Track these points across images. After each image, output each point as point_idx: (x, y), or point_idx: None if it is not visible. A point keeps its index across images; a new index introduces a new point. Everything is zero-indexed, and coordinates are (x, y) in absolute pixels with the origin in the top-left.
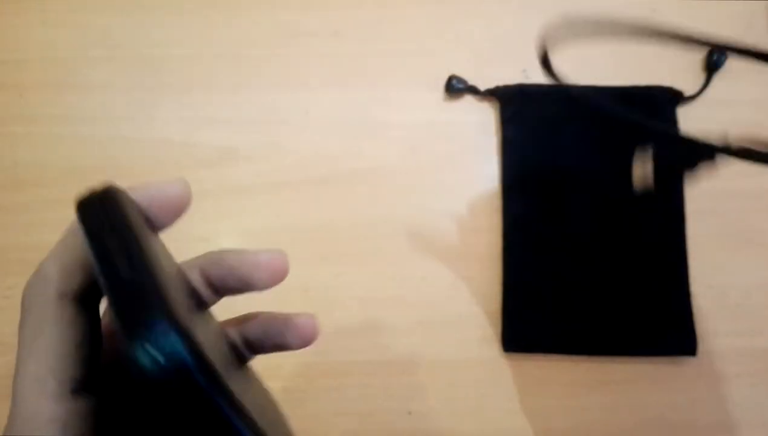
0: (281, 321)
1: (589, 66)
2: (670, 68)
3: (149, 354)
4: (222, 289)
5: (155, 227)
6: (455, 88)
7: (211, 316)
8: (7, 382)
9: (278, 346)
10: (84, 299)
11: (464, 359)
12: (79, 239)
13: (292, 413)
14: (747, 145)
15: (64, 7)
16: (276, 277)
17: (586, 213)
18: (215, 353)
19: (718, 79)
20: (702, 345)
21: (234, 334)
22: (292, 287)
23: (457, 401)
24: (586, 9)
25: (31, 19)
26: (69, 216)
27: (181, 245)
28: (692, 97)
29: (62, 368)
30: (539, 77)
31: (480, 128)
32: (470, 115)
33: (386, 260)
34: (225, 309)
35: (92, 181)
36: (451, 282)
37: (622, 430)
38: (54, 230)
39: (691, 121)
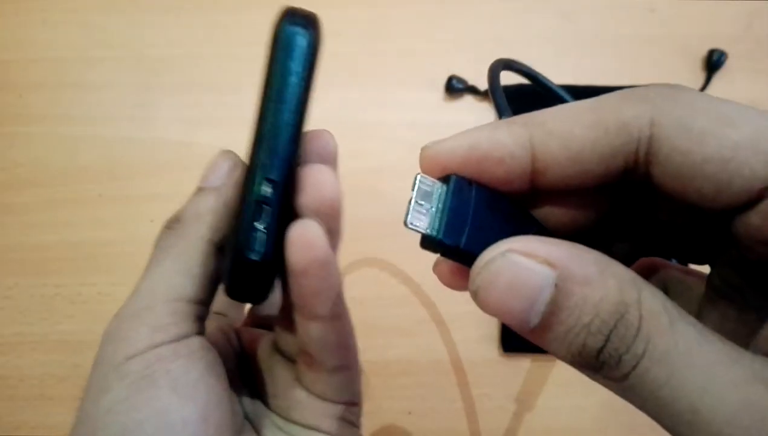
0: None
1: (590, 65)
2: (671, 68)
3: None
4: None
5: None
6: (455, 88)
7: None
8: (8, 382)
9: None
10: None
11: (464, 359)
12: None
13: None
14: None
15: (64, 7)
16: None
17: None
18: None
19: (718, 78)
20: None
21: None
22: None
23: (456, 401)
24: (585, 9)
25: (31, 19)
26: (69, 216)
27: None
28: None
29: (199, 285)
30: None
31: None
32: (470, 115)
33: (386, 260)
34: None
35: (92, 181)
36: None
37: (622, 430)
38: (54, 230)
39: None
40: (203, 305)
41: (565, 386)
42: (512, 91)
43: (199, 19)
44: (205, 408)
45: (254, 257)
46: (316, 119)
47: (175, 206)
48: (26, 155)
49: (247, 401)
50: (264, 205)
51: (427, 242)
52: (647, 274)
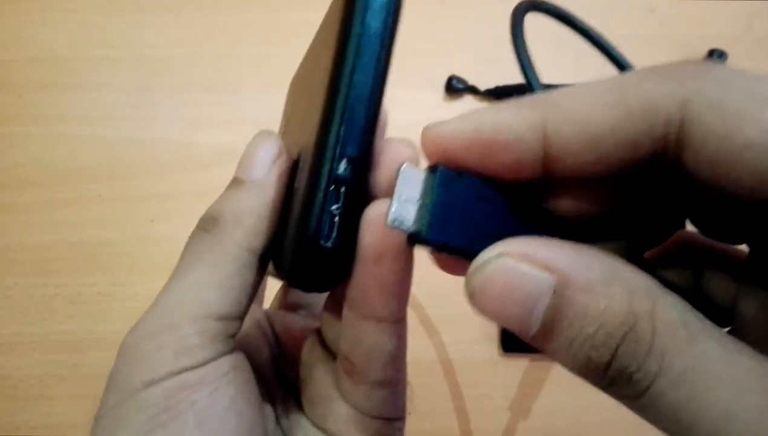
0: None
1: (590, 66)
2: None
3: None
4: None
5: None
6: (455, 88)
7: None
8: (8, 382)
9: None
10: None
11: (464, 360)
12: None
13: None
14: None
15: (64, 7)
16: None
17: None
18: None
19: None
20: None
21: None
22: None
23: (456, 402)
24: (584, 9)
25: (31, 19)
26: (68, 216)
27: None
28: None
29: (233, 301)
30: (540, 77)
31: None
32: None
33: None
34: None
35: (92, 181)
36: (451, 282)
37: (623, 430)
38: (54, 230)
39: None
40: (236, 320)
41: (565, 386)
42: (511, 91)
43: (199, 19)
44: None
45: (328, 244)
46: None
47: (174, 206)
48: (26, 155)
49: (280, 403)
50: (339, 186)
51: (413, 239)
52: (680, 252)
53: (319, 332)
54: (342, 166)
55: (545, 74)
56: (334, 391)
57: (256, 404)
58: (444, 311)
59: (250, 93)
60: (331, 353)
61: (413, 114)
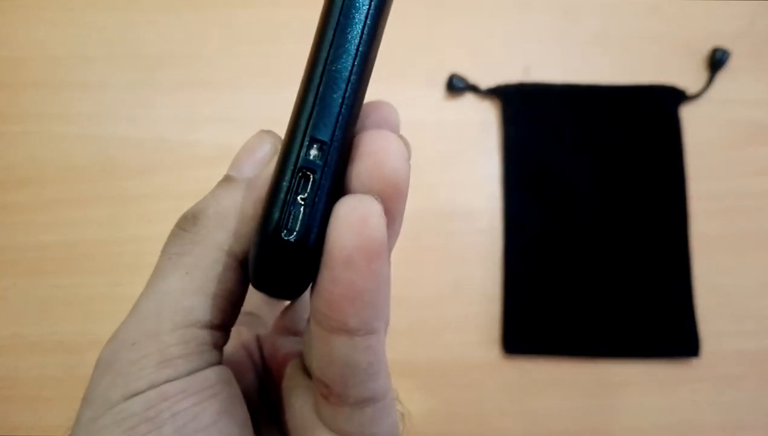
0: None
1: (591, 64)
2: (673, 66)
3: None
4: None
5: None
6: (456, 86)
7: None
8: (4, 384)
9: None
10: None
11: (464, 361)
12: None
13: None
14: None
15: (62, 6)
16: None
17: (587, 213)
18: None
19: (721, 77)
20: (705, 346)
21: None
22: None
23: (457, 403)
24: (586, 7)
25: (29, 18)
26: (66, 216)
27: None
28: (695, 96)
29: (214, 306)
30: (540, 75)
31: (481, 127)
32: (471, 114)
33: None
34: None
35: (89, 180)
36: (451, 282)
37: (625, 432)
38: (51, 230)
39: (694, 120)
40: (222, 330)
41: (566, 387)
42: (512, 91)
43: (198, 17)
44: None
45: (291, 237)
46: None
47: (172, 206)
48: (23, 155)
49: (264, 432)
50: (308, 173)
51: None
52: None
53: (301, 355)
54: (312, 153)
55: (547, 72)
56: (316, 418)
57: (242, 425)
58: (444, 312)
59: (248, 91)
60: (311, 376)
61: (414, 112)
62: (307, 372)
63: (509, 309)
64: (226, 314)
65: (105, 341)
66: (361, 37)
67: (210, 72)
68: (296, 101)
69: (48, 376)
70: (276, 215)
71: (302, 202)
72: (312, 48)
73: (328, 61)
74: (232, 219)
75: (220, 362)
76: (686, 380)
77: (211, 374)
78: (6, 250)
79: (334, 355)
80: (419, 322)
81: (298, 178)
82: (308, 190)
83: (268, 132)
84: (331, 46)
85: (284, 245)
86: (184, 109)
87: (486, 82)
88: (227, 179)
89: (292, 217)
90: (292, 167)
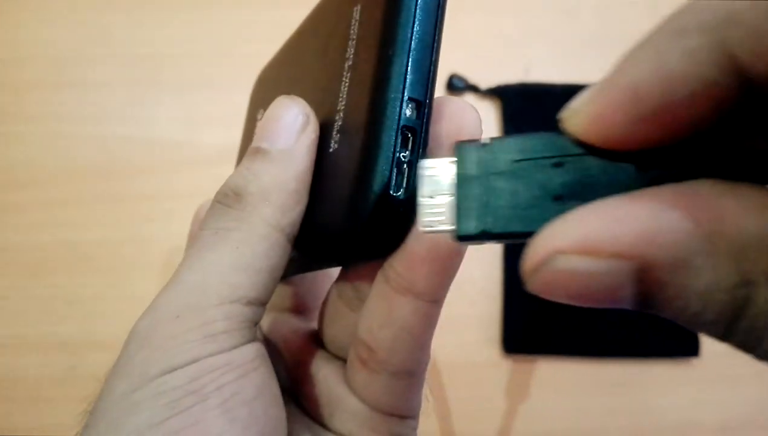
0: None
1: (591, 63)
2: None
3: None
4: None
5: None
6: (456, 86)
7: None
8: (4, 384)
9: None
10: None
11: (464, 361)
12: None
13: None
14: None
15: (62, 5)
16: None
17: None
18: None
19: None
20: (705, 346)
21: None
22: None
23: (457, 403)
24: (587, 6)
25: (29, 17)
26: (66, 216)
27: (181, 245)
28: None
29: (260, 283)
30: (540, 75)
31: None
32: None
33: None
34: None
35: (89, 180)
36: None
37: (625, 432)
38: (51, 230)
39: None
40: (262, 306)
41: (568, 387)
42: (512, 91)
43: (199, 16)
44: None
45: (400, 194)
46: None
47: (173, 206)
48: (23, 155)
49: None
50: (407, 132)
51: (456, 239)
52: None
53: (314, 332)
54: (409, 111)
55: (547, 72)
56: (343, 388)
57: (279, 401)
58: (445, 313)
59: (248, 91)
60: (329, 352)
61: None
62: (321, 345)
63: (509, 309)
64: (268, 290)
65: (105, 341)
66: (438, 8)
67: (210, 72)
68: (377, 65)
69: (47, 376)
70: (385, 173)
71: (404, 161)
72: (385, 20)
73: (415, 28)
74: (275, 194)
75: (257, 338)
76: (686, 380)
77: (252, 348)
78: (5, 250)
79: (394, 315)
80: None
81: (400, 137)
82: (409, 149)
83: (292, 98)
84: (414, 17)
85: (395, 202)
86: (184, 109)
87: (486, 82)
88: (261, 152)
89: (397, 175)
90: (395, 126)
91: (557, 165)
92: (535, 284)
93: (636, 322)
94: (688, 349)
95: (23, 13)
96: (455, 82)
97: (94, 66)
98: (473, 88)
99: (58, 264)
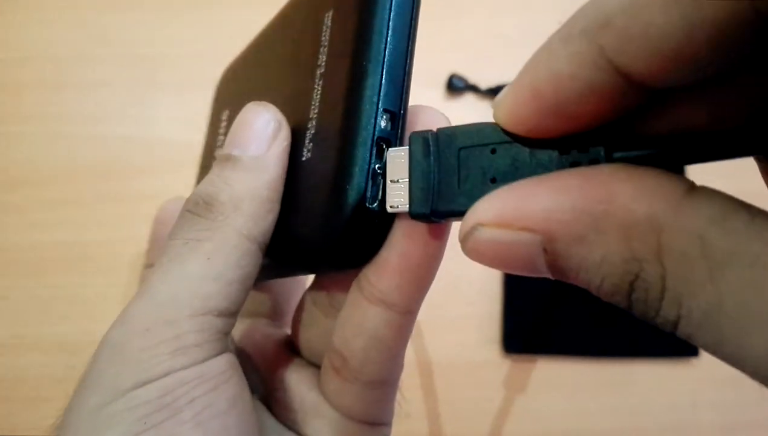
0: None
1: None
2: None
3: None
4: None
5: None
6: (456, 86)
7: None
8: (4, 384)
9: None
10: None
11: (464, 361)
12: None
13: None
14: None
15: (62, 5)
16: None
17: None
18: None
19: None
20: None
21: None
22: None
23: (457, 403)
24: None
25: (28, 17)
26: (66, 216)
27: None
28: None
29: (229, 294)
30: None
31: None
32: (471, 114)
33: None
34: None
35: (89, 180)
36: (451, 282)
37: (625, 432)
38: (51, 230)
39: None
40: (234, 317)
41: (568, 387)
42: None
43: (199, 16)
44: None
45: (375, 206)
46: None
47: None
48: (23, 154)
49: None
50: (381, 144)
51: (414, 217)
52: None
53: (288, 338)
54: (384, 122)
55: None
56: (316, 395)
57: (251, 410)
58: (444, 312)
59: None
60: (303, 357)
61: None
62: (295, 351)
63: (509, 309)
64: (240, 300)
65: None
66: (411, 18)
67: (210, 72)
68: (352, 75)
69: (47, 376)
70: (362, 185)
71: (379, 172)
72: (359, 29)
73: (389, 38)
74: (247, 202)
75: (229, 349)
76: (686, 380)
77: (223, 360)
78: (5, 250)
79: (366, 325)
80: (419, 322)
81: (375, 149)
82: (383, 159)
83: (263, 104)
84: (388, 26)
85: (370, 214)
86: (184, 109)
87: (486, 82)
88: (232, 159)
89: (372, 186)
90: (370, 138)
91: (493, 151)
92: (465, 250)
93: (636, 322)
94: (688, 349)
95: (23, 13)
96: (455, 82)
97: (94, 66)
98: (473, 88)
99: (58, 264)
